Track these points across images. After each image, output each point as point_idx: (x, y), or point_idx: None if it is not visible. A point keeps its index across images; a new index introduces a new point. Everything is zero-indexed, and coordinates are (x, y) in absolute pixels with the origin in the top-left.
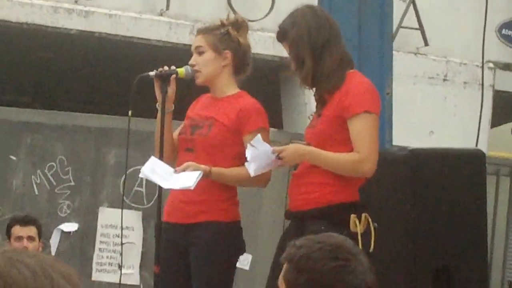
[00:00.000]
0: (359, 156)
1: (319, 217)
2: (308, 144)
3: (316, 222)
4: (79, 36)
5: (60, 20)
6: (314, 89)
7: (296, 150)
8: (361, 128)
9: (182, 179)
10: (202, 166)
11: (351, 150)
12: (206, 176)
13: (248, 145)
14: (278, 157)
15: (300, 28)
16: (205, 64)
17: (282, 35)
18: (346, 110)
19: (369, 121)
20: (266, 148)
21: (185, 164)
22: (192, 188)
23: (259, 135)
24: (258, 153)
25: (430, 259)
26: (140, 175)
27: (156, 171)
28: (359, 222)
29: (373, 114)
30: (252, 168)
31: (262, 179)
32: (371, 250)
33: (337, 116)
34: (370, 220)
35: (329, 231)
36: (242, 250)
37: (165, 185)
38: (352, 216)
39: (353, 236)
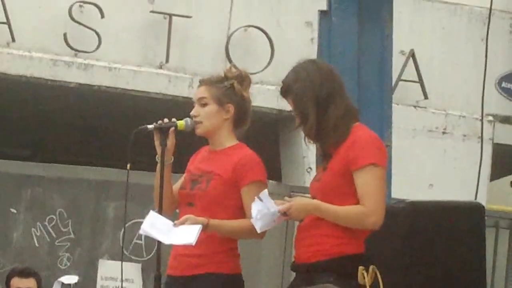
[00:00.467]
0: (365, 209)
1: (327, 269)
2: (313, 198)
3: (324, 274)
4: (79, 89)
5: (60, 73)
6: (318, 143)
7: (302, 206)
8: (367, 181)
9: (183, 233)
10: (200, 218)
11: (357, 202)
12: (204, 228)
13: (256, 198)
14: (284, 214)
15: (303, 82)
16: (207, 116)
17: (285, 91)
18: (352, 163)
19: (376, 173)
20: (272, 208)
21: (184, 217)
22: (193, 243)
23: (265, 190)
24: (263, 211)
25: None
26: (140, 232)
27: (156, 226)
28: (367, 274)
29: (380, 166)
30: (258, 225)
31: (260, 232)
32: None
33: (343, 169)
34: (377, 272)
35: (337, 283)
36: None
37: (166, 240)
38: (360, 268)
39: None
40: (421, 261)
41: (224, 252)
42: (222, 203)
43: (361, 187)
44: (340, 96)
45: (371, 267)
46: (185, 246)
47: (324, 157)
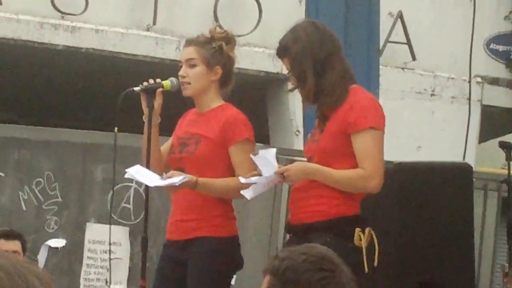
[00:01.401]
0: (365, 173)
1: (324, 229)
2: (309, 159)
3: (321, 235)
4: (66, 51)
5: (47, 36)
6: (315, 105)
7: (301, 169)
8: (366, 145)
9: (168, 179)
10: (188, 175)
11: (356, 164)
12: (193, 186)
13: (260, 152)
14: (282, 176)
15: (301, 43)
16: (196, 77)
17: (283, 51)
18: (351, 126)
19: (375, 137)
20: (268, 173)
21: (170, 172)
22: (177, 183)
23: (274, 149)
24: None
25: (417, 273)
26: (126, 175)
27: (142, 172)
28: (364, 236)
29: (379, 130)
30: (248, 194)
31: None
32: (375, 264)
33: (341, 131)
34: (373, 234)
35: (334, 244)
36: (238, 266)
37: (150, 183)
38: (357, 230)
39: (358, 250)
40: (410, 221)
41: (221, 216)
42: (211, 164)
43: (360, 151)
44: (339, 59)
45: (367, 229)
46: (182, 212)
47: (321, 118)
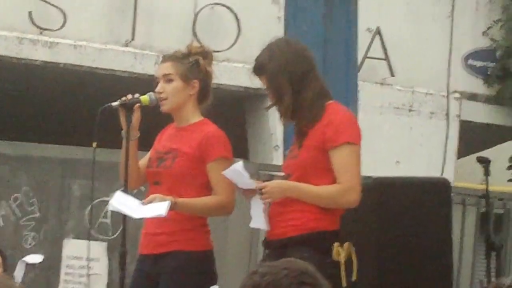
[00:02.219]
0: (343, 187)
1: (302, 243)
2: (288, 175)
3: (299, 249)
4: (44, 67)
5: (25, 51)
6: (293, 122)
7: (279, 186)
8: (343, 160)
9: (153, 208)
10: (168, 197)
11: (334, 179)
12: (171, 208)
13: (227, 173)
14: (261, 193)
15: (278, 61)
16: (173, 93)
17: (259, 69)
18: (328, 142)
19: (352, 152)
20: (245, 180)
21: (151, 196)
22: (163, 215)
23: (241, 162)
24: (238, 175)
25: (397, 287)
26: (110, 208)
27: (124, 203)
28: (342, 250)
29: (355, 144)
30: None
31: (227, 208)
32: (353, 279)
33: (319, 147)
34: (352, 249)
35: (312, 258)
36: (212, 281)
37: (136, 215)
38: (336, 244)
39: (336, 264)
40: (389, 236)
41: (194, 230)
42: (188, 180)
43: (338, 166)
44: (314, 76)
45: (346, 243)
46: (155, 225)
47: (299, 134)
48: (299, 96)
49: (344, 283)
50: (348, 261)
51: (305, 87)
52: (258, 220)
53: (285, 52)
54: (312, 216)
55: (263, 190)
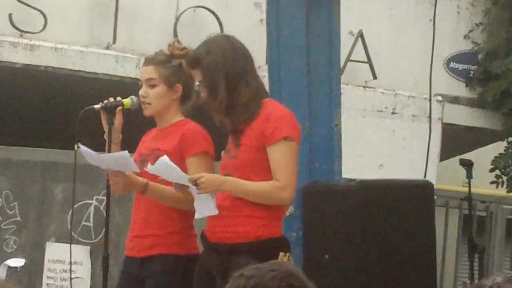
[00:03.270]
0: (279, 184)
1: (248, 251)
2: (226, 175)
3: (244, 256)
4: (25, 70)
5: (5, 54)
6: (226, 119)
7: (215, 178)
8: (279, 156)
9: (204, 209)
10: (139, 179)
11: None
12: (142, 189)
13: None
14: (196, 184)
15: (214, 57)
16: (157, 98)
17: (194, 61)
18: (266, 138)
19: (288, 148)
20: (175, 173)
21: (120, 177)
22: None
23: (164, 158)
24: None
25: None
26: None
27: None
28: (287, 259)
29: (293, 141)
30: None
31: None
32: None
33: (257, 144)
34: (292, 260)
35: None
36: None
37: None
38: (281, 254)
39: None
40: (373, 239)
41: (179, 233)
42: None
43: (275, 162)
44: (252, 75)
45: (287, 254)
46: (140, 227)
47: (235, 133)
48: (234, 94)
49: None
50: None
51: (241, 85)
52: (204, 208)
53: (224, 49)
54: (259, 222)
55: (198, 181)
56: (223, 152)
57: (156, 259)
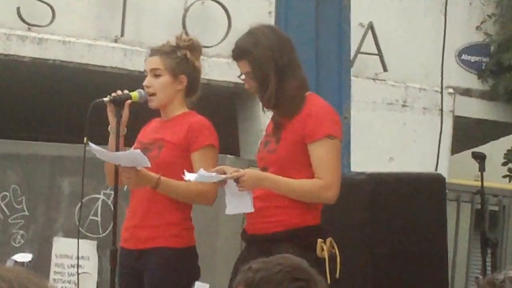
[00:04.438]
0: (323, 183)
1: (286, 240)
2: (264, 168)
3: (283, 245)
4: (33, 63)
5: (13, 47)
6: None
7: (256, 175)
8: (323, 154)
9: (239, 205)
10: (152, 174)
11: (313, 174)
12: (154, 184)
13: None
14: (237, 181)
15: (263, 48)
16: (161, 88)
17: (241, 54)
18: (307, 135)
19: (331, 146)
20: (216, 177)
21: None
22: (252, 210)
23: (201, 171)
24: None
25: (389, 285)
26: (186, 178)
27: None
28: (325, 246)
29: (335, 139)
30: (191, 176)
31: (209, 197)
32: (337, 275)
33: (298, 141)
34: (335, 245)
35: (297, 255)
36: (195, 276)
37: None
38: (319, 240)
39: (320, 261)
40: (383, 232)
41: (177, 225)
42: (174, 169)
43: (317, 160)
44: (298, 66)
45: (328, 239)
46: (137, 218)
47: (277, 127)
48: (282, 86)
49: (328, 280)
50: (331, 256)
51: (288, 77)
52: (239, 205)
53: (270, 39)
54: (295, 211)
55: (240, 179)
56: (260, 143)
57: (154, 252)
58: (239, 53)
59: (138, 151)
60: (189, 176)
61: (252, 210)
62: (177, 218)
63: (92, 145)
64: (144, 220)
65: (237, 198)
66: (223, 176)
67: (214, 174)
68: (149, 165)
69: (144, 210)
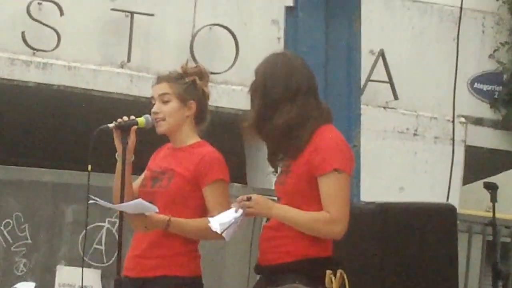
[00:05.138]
0: (331, 217)
1: (294, 270)
2: (278, 199)
3: (290, 276)
4: (37, 89)
5: (17, 73)
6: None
7: (265, 202)
8: (330, 188)
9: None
10: (161, 216)
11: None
12: (165, 226)
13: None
14: (247, 199)
15: (258, 75)
16: (170, 113)
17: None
18: (315, 169)
19: (339, 180)
20: (233, 214)
21: (146, 217)
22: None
23: (214, 220)
24: (224, 220)
25: None
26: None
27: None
28: (335, 278)
29: (343, 172)
30: (216, 224)
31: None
32: None
33: (307, 173)
34: (345, 277)
35: (303, 286)
36: None
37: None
38: (328, 272)
39: None
40: (392, 263)
41: (185, 254)
42: (183, 202)
43: (325, 194)
44: (298, 101)
45: (339, 271)
46: (142, 247)
47: (286, 159)
48: (270, 118)
49: None
50: None
51: (281, 112)
52: (222, 224)
53: (270, 67)
54: (305, 242)
55: (248, 202)
56: (276, 174)
57: (159, 281)
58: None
59: (140, 200)
60: (214, 227)
61: (227, 239)
62: (184, 248)
63: (96, 199)
64: (150, 250)
65: (229, 219)
66: (240, 211)
67: (231, 211)
68: (156, 210)
69: (151, 239)
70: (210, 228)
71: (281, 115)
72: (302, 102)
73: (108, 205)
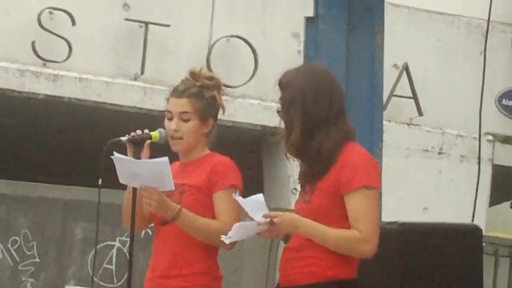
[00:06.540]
0: (360, 236)
1: None
2: None
3: None
4: (47, 101)
5: (27, 84)
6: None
7: (292, 220)
8: (360, 205)
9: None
10: (173, 203)
11: (349, 225)
12: (174, 215)
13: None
14: (271, 223)
15: (295, 89)
16: (189, 133)
17: (278, 84)
18: (343, 186)
19: (369, 197)
20: (256, 218)
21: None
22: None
23: (261, 195)
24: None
25: None
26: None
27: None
28: None
29: (373, 189)
30: (228, 238)
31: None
32: None
33: (334, 191)
34: None
35: None
36: None
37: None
38: None
39: None
40: (415, 285)
41: (206, 274)
42: (198, 214)
43: (354, 212)
44: (335, 122)
45: None
46: (162, 267)
47: (312, 177)
48: (310, 139)
49: None
50: None
51: (321, 132)
52: (237, 236)
53: (310, 82)
54: (330, 263)
55: (275, 220)
56: (299, 192)
57: None
58: (278, 82)
59: (166, 159)
60: (227, 238)
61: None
62: (205, 267)
63: (116, 154)
64: (171, 269)
65: (245, 233)
66: (254, 223)
67: (266, 210)
68: (173, 188)
69: (171, 258)
70: (215, 230)
71: (326, 138)
72: (342, 124)
73: (126, 163)
